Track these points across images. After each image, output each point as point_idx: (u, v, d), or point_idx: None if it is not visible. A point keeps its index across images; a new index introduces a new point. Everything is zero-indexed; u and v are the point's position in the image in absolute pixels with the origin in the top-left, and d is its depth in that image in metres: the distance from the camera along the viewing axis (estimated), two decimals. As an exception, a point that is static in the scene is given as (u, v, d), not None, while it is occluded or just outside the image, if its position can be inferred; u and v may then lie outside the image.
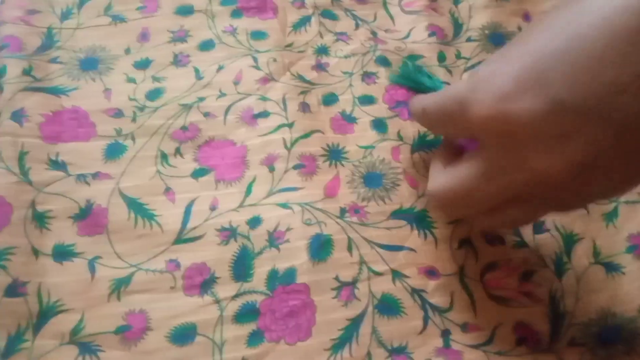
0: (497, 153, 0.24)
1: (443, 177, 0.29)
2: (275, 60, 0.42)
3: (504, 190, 0.25)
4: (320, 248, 0.33)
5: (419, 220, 0.35)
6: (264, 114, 0.39)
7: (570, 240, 0.35)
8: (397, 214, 0.35)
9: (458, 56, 0.44)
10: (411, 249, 0.34)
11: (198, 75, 0.40)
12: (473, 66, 0.43)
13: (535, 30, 0.24)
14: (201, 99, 0.39)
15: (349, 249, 0.33)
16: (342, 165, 0.37)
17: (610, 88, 0.21)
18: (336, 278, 0.32)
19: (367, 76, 0.42)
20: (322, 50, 0.43)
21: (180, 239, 0.33)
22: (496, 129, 0.23)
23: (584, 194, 0.24)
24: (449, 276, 0.33)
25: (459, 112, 0.25)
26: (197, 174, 0.36)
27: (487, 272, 0.34)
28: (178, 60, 0.41)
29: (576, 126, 0.22)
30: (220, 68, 0.41)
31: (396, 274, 0.33)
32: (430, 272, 0.33)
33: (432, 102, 0.30)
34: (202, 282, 0.32)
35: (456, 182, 0.27)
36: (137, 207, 0.34)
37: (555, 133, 0.22)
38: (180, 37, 0.42)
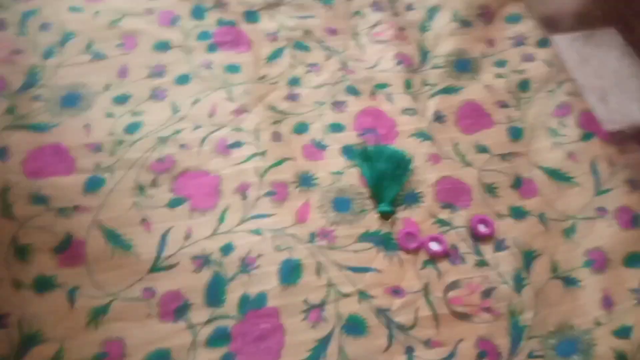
0: None
1: None
2: (248, 92, 0.44)
3: None
4: (290, 273, 0.35)
5: (385, 242, 0.37)
6: (237, 144, 0.41)
7: (529, 257, 0.37)
8: (364, 237, 0.37)
9: (424, 83, 0.46)
10: (377, 270, 0.36)
11: (175, 109, 0.42)
12: (438, 92, 0.45)
13: None
14: (177, 132, 0.41)
15: (318, 272, 0.35)
16: (313, 191, 0.39)
17: None
18: (305, 301, 0.34)
19: (337, 105, 0.44)
20: (294, 82, 0.45)
21: (156, 268, 0.35)
22: None
23: None
24: (414, 293, 0.35)
25: None
26: (172, 204, 0.37)
27: (450, 290, 0.35)
28: (155, 95, 0.43)
29: None
30: (196, 101, 0.43)
31: (362, 295, 0.35)
32: (396, 291, 0.35)
33: None
34: (175, 308, 0.33)
35: None
36: (114, 238, 0.35)
37: None
38: (157, 72, 0.44)
